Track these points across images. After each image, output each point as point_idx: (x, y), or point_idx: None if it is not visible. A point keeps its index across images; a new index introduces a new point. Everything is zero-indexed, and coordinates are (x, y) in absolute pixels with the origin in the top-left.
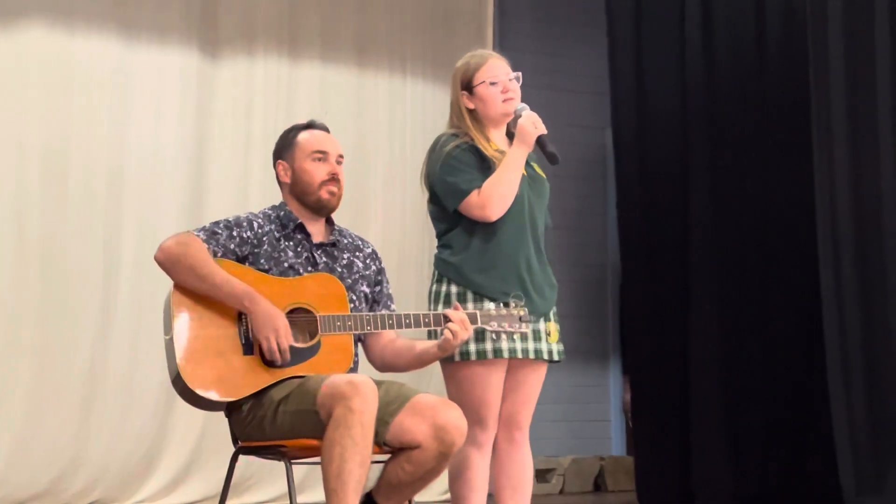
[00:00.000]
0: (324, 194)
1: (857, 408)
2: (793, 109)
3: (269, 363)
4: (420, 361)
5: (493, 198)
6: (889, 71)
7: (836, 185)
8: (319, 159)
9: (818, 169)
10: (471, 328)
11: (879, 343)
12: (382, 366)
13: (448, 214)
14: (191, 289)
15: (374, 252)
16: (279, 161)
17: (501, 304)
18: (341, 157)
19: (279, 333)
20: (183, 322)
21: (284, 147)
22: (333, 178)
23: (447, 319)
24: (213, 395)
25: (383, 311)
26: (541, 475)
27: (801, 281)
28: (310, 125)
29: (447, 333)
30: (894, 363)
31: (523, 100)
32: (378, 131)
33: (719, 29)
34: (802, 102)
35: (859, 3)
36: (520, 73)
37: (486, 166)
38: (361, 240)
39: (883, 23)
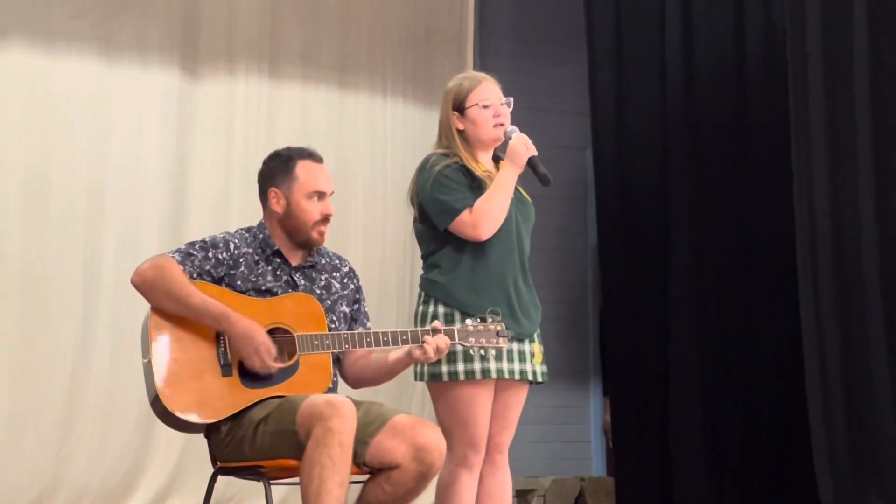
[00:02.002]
0: (314, 234)
1: (837, 426)
2: (773, 129)
3: (247, 384)
4: (392, 372)
5: (485, 217)
6: (868, 89)
7: (815, 204)
8: (317, 198)
9: (798, 188)
10: (443, 354)
11: (858, 361)
12: (354, 380)
13: (436, 234)
14: (168, 311)
15: (350, 270)
16: (273, 188)
17: (478, 320)
18: (332, 192)
19: (260, 350)
20: (161, 345)
21: (280, 175)
22: (326, 219)
23: (425, 333)
24: (192, 418)
25: (359, 329)
26: (521, 496)
27: (782, 300)
28: (309, 154)
29: (421, 352)
30: (873, 380)
31: None
32: (358, 150)
33: (699, 49)
34: (782, 122)
35: (838, 23)
36: (511, 99)
37: (476, 186)
38: (339, 258)
39: (861, 41)
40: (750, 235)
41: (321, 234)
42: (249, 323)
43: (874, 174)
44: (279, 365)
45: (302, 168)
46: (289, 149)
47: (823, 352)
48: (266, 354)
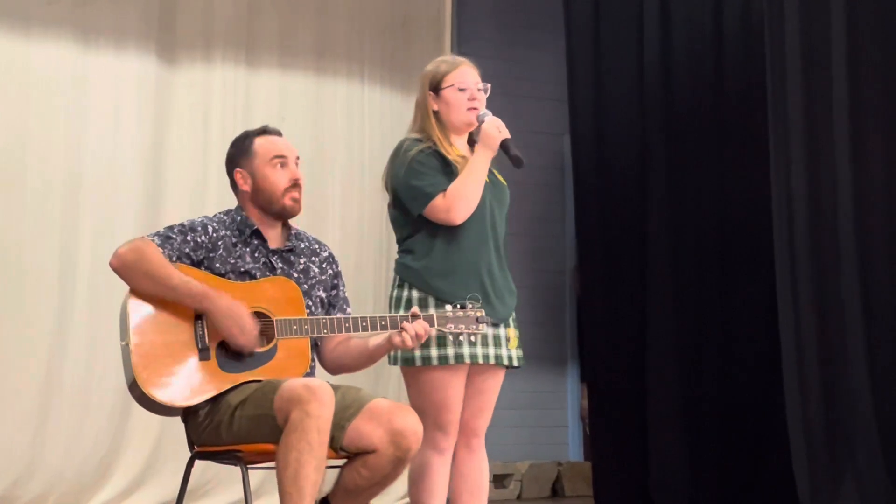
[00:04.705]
0: (287, 201)
1: (813, 416)
2: (750, 113)
3: (225, 368)
4: (372, 358)
5: (459, 201)
6: (845, 72)
7: (792, 187)
8: (280, 164)
9: (775, 173)
10: (423, 340)
11: (835, 344)
12: (333, 366)
13: (410, 219)
14: (148, 293)
15: (330, 255)
16: (237, 169)
17: (458, 306)
18: (298, 158)
19: (245, 328)
20: (139, 328)
21: (240, 154)
22: (296, 184)
23: (404, 319)
24: (169, 401)
25: (339, 315)
26: (498, 480)
27: (759, 287)
28: (264, 131)
29: (400, 338)
30: (849, 371)
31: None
32: (336, 137)
33: (677, 34)
34: (760, 107)
35: (815, 4)
36: (488, 85)
37: (449, 171)
38: (318, 243)
39: (839, 22)
40: (728, 220)
41: (295, 200)
42: (231, 301)
43: (851, 158)
44: (259, 349)
45: (259, 142)
46: (245, 131)
47: (800, 335)
48: (250, 331)
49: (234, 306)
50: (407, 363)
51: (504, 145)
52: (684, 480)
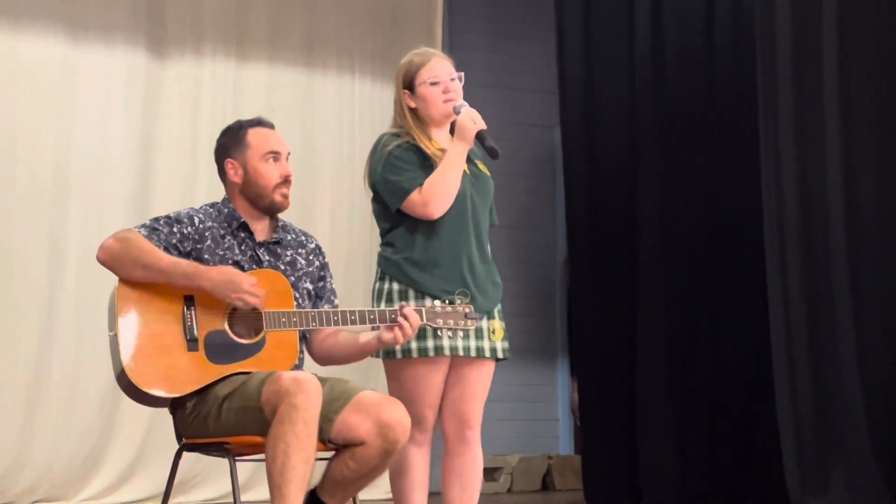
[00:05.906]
0: (277, 197)
1: (803, 409)
2: (741, 110)
3: (213, 359)
4: (361, 354)
5: (435, 195)
6: (836, 69)
7: (783, 186)
8: (273, 159)
9: (765, 169)
10: (413, 336)
11: (825, 344)
12: (322, 358)
13: (390, 213)
14: (138, 281)
15: (317, 247)
16: (228, 160)
17: (447, 301)
18: (289, 154)
19: (245, 287)
20: (127, 319)
21: (233, 145)
22: (287, 181)
23: (394, 317)
24: (157, 392)
25: (326, 307)
26: (488, 474)
27: (749, 281)
28: (258, 122)
29: (391, 335)
30: (839, 364)
31: (472, 98)
32: (326, 130)
33: (669, 28)
34: (750, 103)
35: (807, 2)
36: (462, 74)
37: (427, 165)
38: (305, 234)
39: (831, 21)
40: (718, 215)
41: (285, 196)
42: (222, 268)
43: (842, 155)
44: (242, 340)
45: (253, 134)
46: (238, 121)
47: (790, 330)
48: (251, 291)
49: (226, 272)
50: (388, 355)
51: (479, 136)
52: (674, 474)
